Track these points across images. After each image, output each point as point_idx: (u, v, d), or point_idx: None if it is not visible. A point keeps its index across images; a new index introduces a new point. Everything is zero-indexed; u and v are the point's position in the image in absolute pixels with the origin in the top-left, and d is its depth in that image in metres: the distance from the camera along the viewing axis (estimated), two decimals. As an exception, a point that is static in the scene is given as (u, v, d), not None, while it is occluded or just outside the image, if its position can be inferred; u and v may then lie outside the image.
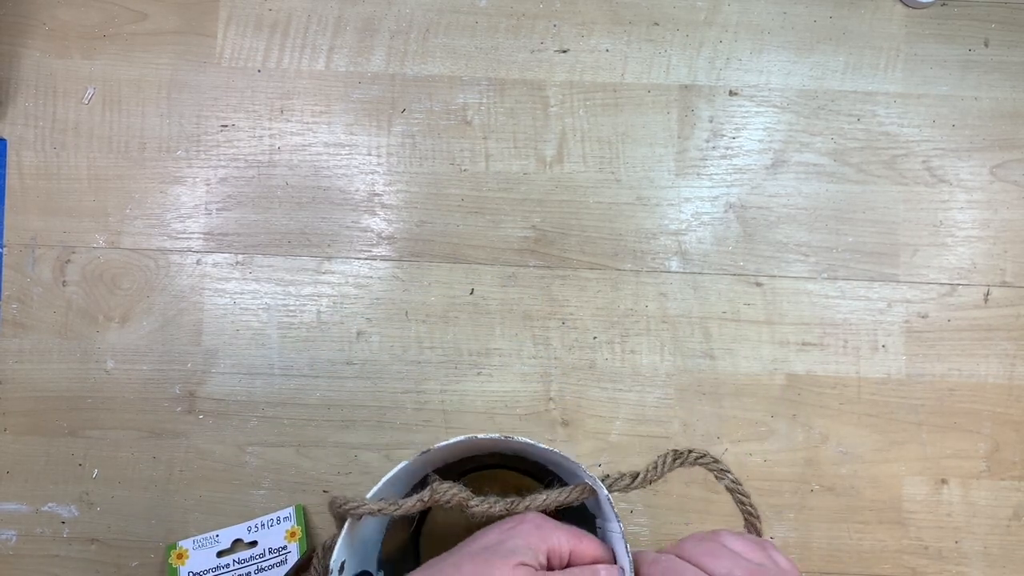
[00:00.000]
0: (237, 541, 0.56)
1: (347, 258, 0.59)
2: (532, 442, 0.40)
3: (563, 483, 0.43)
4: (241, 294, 0.59)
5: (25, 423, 0.59)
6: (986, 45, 0.60)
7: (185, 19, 0.61)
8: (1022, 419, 0.58)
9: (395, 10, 0.61)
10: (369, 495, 0.40)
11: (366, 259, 0.59)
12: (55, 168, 0.60)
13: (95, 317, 0.59)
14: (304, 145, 0.60)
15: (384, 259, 0.59)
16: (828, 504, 0.58)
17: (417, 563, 0.54)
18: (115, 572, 0.58)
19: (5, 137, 0.60)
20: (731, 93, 0.60)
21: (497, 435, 0.40)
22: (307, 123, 0.60)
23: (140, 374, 0.59)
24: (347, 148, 0.60)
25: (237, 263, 0.59)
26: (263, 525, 0.56)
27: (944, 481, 0.58)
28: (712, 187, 0.59)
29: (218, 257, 0.59)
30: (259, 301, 0.59)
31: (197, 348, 0.59)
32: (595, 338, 0.58)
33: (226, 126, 0.60)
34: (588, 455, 0.58)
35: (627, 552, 0.38)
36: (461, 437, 0.40)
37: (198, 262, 0.59)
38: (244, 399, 0.58)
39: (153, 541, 0.58)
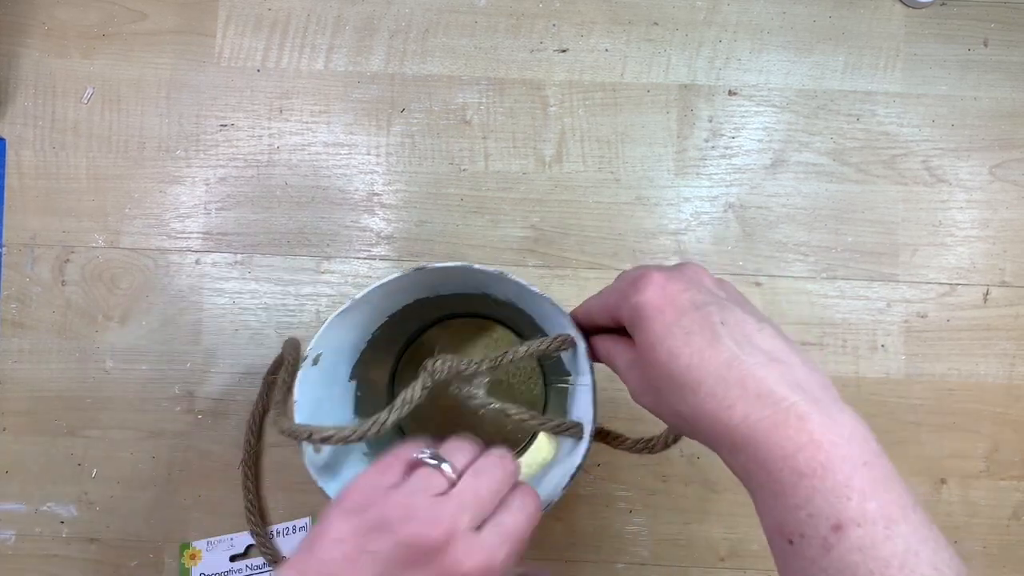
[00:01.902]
0: (251, 547, 0.56)
1: (346, 258, 0.59)
2: (524, 283, 0.41)
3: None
4: (240, 294, 0.59)
5: (24, 423, 0.59)
6: (985, 45, 0.60)
7: (184, 19, 0.61)
8: (1022, 419, 0.58)
9: (394, 10, 0.61)
10: (359, 296, 0.41)
11: (365, 259, 0.59)
12: (54, 168, 0.60)
13: (94, 317, 0.59)
14: (303, 145, 0.60)
15: (383, 259, 0.59)
16: (827, 504, 0.58)
17: (392, 391, 0.56)
18: (114, 572, 0.58)
19: (4, 137, 0.60)
20: (730, 93, 0.60)
21: (492, 268, 0.41)
22: (306, 123, 0.60)
23: (139, 374, 0.59)
24: (346, 148, 0.60)
25: (236, 263, 0.59)
26: (279, 532, 0.56)
27: (943, 481, 0.58)
28: (711, 187, 0.59)
29: (217, 257, 0.59)
30: (258, 301, 0.59)
31: (196, 348, 0.59)
32: (594, 338, 0.58)
33: (225, 126, 0.60)
34: (587, 455, 0.58)
35: (593, 404, 0.40)
36: (457, 263, 0.41)
37: (197, 262, 0.59)
38: (243, 399, 0.58)
39: (152, 541, 0.58)
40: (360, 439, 0.38)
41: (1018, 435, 0.58)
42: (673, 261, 0.59)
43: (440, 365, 0.39)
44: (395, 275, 0.42)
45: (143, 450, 0.58)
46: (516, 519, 0.34)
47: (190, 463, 0.58)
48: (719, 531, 0.58)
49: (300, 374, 0.42)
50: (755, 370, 0.31)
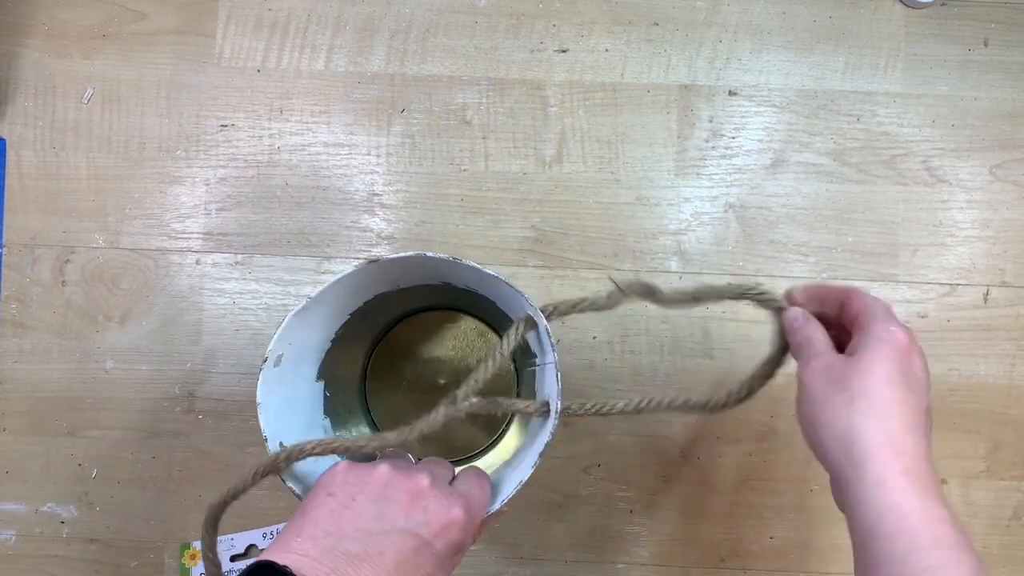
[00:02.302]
0: (251, 546, 0.56)
1: (346, 258, 0.59)
2: (479, 266, 0.41)
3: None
4: (240, 294, 0.59)
5: (25, 423, 0.59)
6: (986, 45, 0.60)
7: (185, 19, 0.61)
8: (1022, 419, 0.58)
9: (395, 10, 0.61)
10: (315, 293, 0.42)
11: (366, 259, 0.59)
12: (54, 168, 0.60)
13: (94, 317, 0.59)
14: (303, 145, 0.60)
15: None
16: (828, 504, 0.57)
17: (364, 389, 0.57)
18: (114, 572, 0.58)
19: (5, 137, 0.60)
20: (731, 93, 0.60)
21: (445, 256, 0.41)
22: (307, 123, 0.60)
23: (139, 374, 0.59)
24: (347, 148, 0.60)
25: (236, 263, 0.59)
26: (279, 532, 0.56)
27: (944, 481, 0.58)
28: (712, 187, 0.59)
29: (217, 257, 0.59)
30: (259, 301, 0.59)
31: (196, 348, 0.59)
32: (594, 338, 0.58)
33: (225, 126, 0.60)
34: (587, 455, 0.58)
35: (557, 381, 0.41)
36: (411, 253, 0.41)
37: (197, 262, 0.59)
38: (243, 399, 0.58)
39: (152, 541, 0.58)
40: (358, 451, 0.39)
41: (1018, 435, 0.58)
42: (673, 262, 0.59)
43: (468, 402, 0.40)
44: (349, 270, 0.41)
45: (143, 450, 0.58)
46: (470, 482, 0.40)
47: (190, 463, 0.58)
48: (719, 531, 0.58)
49: (261, 375, 0.41)
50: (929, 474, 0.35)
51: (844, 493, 0.36)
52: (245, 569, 0.32)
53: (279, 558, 0.32)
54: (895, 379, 0.36)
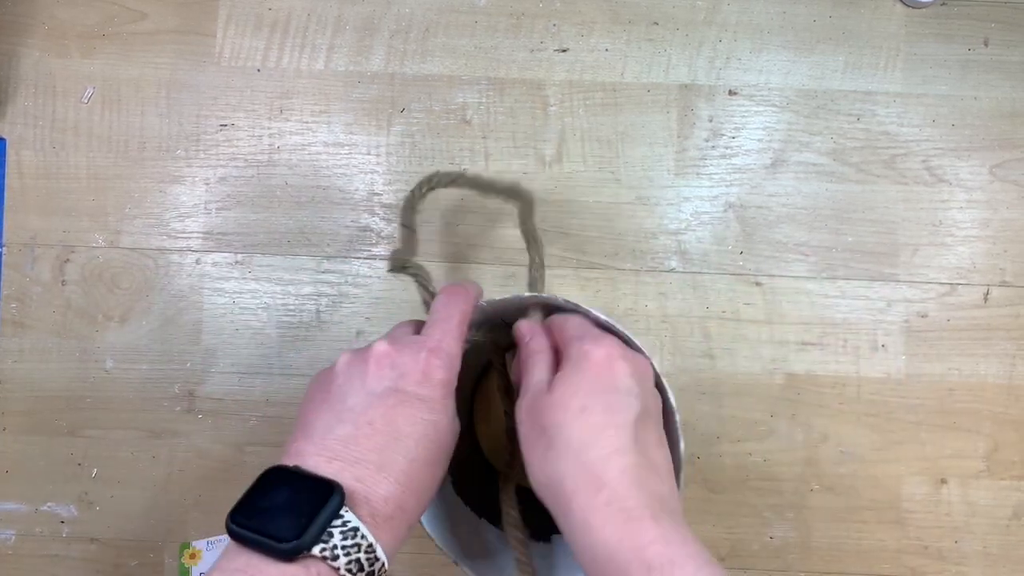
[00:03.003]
0: None
1: (347, 257, 0.59)
2: (574, 303, 0.42)
3: None
4: (240, 293, 0.59)
5: (24, 423, 0.59)
6: (986, 45, 0.60)
7: (185, 18, 0.61)
8: (1022, 419, 0.58)
9: (395, 9, 0.61)
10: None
11: (366, 258, 0.59)
12: (54, 168, 0.60)
13: (94, 316, 0.59)
14: (303, 144, 0.60)
15: (384, 258, 0.59)
16: (828, 504, 0.58)
17: (470, 420, 0.56)
18: (114, 572, 0.58)
19: (5, 136, 0.60)
20: (731, 92, 0.60)
21: (549, 295, 0.43)
22: (307, 123, 0.60)
23: (139, 374, 0.59)
24: (347, 148, 0.60)
25: (236, 262, 0.59)
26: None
27: (944, 481, 0.58)
28: (712, 187, 0.59)
29: (217, 257, 0.59)
30: (258, 300, 0.59)
31: (196, 347, 0.59)
32: (595, 338, 0.58)
33: (225, 125, 0.60)
34: (588, 455, 0.58)
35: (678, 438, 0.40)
36: (511, 295, 0.43)
37: (197, 262, 0.59)
38: (243, 398, 0.58)
39: (153, 541, 0.58)
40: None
41: (1018, 435, 0.58)
42: (674, 261, 0.59)
43: None
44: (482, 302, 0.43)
45: (143, 450, 0.58)
46: (443, 311, 0.39)
47: (190, 463, 0.58)
48: (719, 531, 0.58)
49: None
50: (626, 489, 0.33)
51: (566, 538, 0.35)
52: (259, 476, 0.33)
53: (284, 461, 0.34)
54: (590, 404, 0.34)
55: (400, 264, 0.47)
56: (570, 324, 0.39)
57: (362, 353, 0.37)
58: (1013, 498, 0.58)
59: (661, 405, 0.39)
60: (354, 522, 0.31)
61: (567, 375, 0.36)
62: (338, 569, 0.30)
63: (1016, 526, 0.58)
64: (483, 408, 0.56)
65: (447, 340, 0.38)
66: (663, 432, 0.37)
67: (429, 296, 0.46)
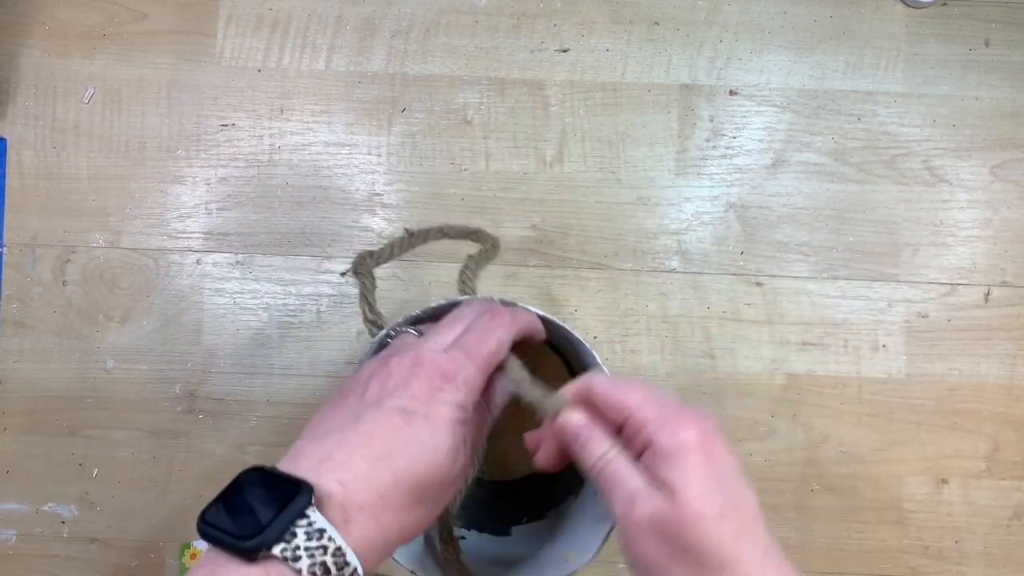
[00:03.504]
0: None
1: (347, 258, 0.59)
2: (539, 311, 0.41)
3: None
4: (241, 294, 0.59)
5: (25, 423, 0.59)
6: (987, 45, 0.60)
7: (185, 19, 0.61)
8: (1022, 419, 0.58)
9: (395, 9, 0.61)
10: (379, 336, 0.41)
11: (366, 259, 0.59)
12: (55, 168, 0.60)
13: (95, 317, 0.59)
14: (304, 145, 0.60)
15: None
16: (828, 504, 0.58)
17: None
18: (115, 572, 0.58)
19: (5, 137, 0.60)
20: (731, 93, 0.60)
21: (486, 296, 0.41)
22: (307, 123, 0.60)
23: (140, 374, 0.59)
24: (347, 148, 0.60)
25: (237, 263, 0.59)
26: None
27: (944, 481, 0.58)
28: (712, 187, 0.59)
29: (218, 257, 0.59)
30: (259, 301, 0.59)
31: (197, 348, 0.59)
32: (595, 338, 0.58)
33: (226, 126, 0.60)
34: (588, 455, 0.58)
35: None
36: (446, 300, 0.41)
37: (198, 262, 0.59)
38: (244, 398, 0.58)
39: (153, 541, 0.58)
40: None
41: (1019, 435, 0.58)
42: (674, 261, 0.59)
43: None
44: (412, 313, 0.41)
45: (144, 450, 0.58)
46: (476, 337, 0.37)
47: (190, 463, 0.58)
48: (720, 531, 0.58)
49: None
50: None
51: None
52: (235, 476, 0.32)
53: (284, 457, 0.34)
54: (722, 505, 0.31)
55: (356, 270, 0.45)
56: (650, 406, 0.34)
57: (385, 365, 0.36)
58: (1014, 498, 0.58)
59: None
60: (320, 523, 0.30)
61: (686, 476, 0.32)
62: (300, 571, 0.29)
63: (1017, 526, 0.58)
64: None
65: (467, 370, 0.36)
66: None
67: (370, 314, 0.44)
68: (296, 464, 0.33)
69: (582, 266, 0.59)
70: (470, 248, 0.59)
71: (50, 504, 0.58)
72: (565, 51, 0.60)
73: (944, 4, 0.61)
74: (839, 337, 0.58)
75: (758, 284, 0.59)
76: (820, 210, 0.59)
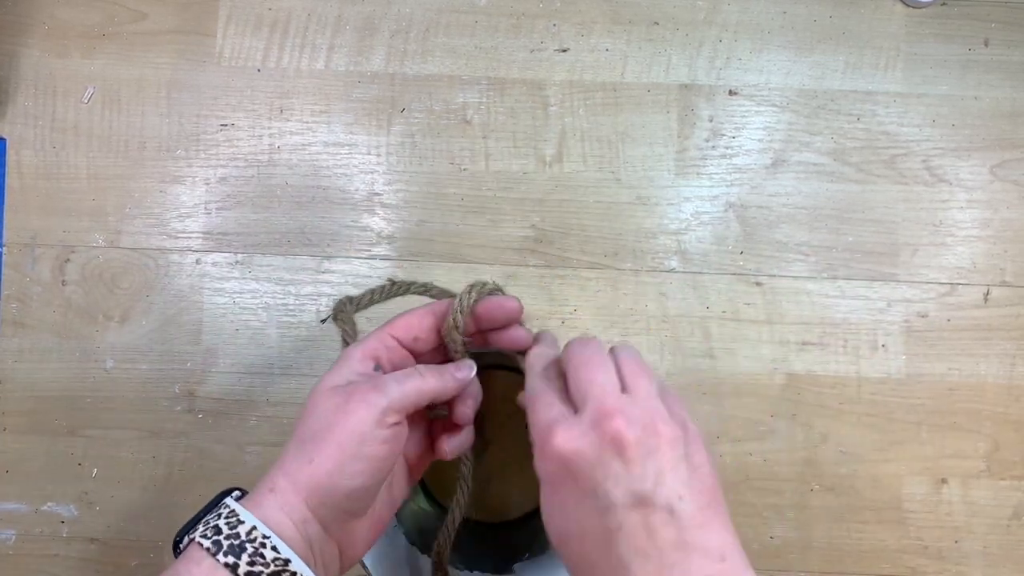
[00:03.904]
0: None
1: (347, 257, 0.59)
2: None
3: None
4: (241, 293, 0.59)
5: (25, 422, 0.58)
6: (986, 45, 0.60)
7: (185, 19, 0.61)
8: (1022, 419, 0.58)
9: (395, 9, 0.61)
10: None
11: (366, 258, 0.59)
12: (55, 168, 0.60)
13: (94, 316, 0.59)
14: (304, 144, 0.60)
15: (384, 258, 0.59)
16: (828, 504, 0.58)
17: (426, 492, 0.54)
18: (115, 572, 0.58)
19: (5, 136, 0.60)
20: (731, 92, 0.60)
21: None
22: (307, 122, 0.60)
23: (139, 373, 0.59)
24: (347, 148, 0.60)
25: (237, 262, 0.59)
26: None
27: (944, 481, 0.58)
28: (712, 187, 0.59)
29: (218, 256, 0.59)
30: (259, 300, 0.59)
31: (197, 347, 0.59)
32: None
33: (226, 125, 0.60)
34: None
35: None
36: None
37: (198, 261, 0.59)
38: (244, 398, 0.58)
39: (153, 541, 0.58)
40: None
41: (1019, 435, 0.58)
42: (674, 261, 0.59)
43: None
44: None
45: (143, 450, 0.58)
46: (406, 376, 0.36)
47: (190, 463, 0.58)
48: (720, 531, 0.58)
49: None
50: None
51: None
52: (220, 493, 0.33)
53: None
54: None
55: (337, 316, 0.44)
56: (593, 387, 0.33)
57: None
58: (1013, 498, 0.58)
59: None
60: (232, 505, 0.31)
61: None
62: (208, 549, 0.30)
63: (1016, 526, 0.58)
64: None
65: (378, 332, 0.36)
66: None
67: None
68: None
69: (582, 266, 0.59)
70: (470, 248, 0.59)
71: (50, 504, 0.58)
72: (565, 51, 0.60)
73: (944, 4, 0.61)
74: (839, 337, 0.58)
75: (758, 284, 0.59)
76: (820, 210, 0.59)
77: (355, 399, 0.33)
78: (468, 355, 0.39)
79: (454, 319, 0.36)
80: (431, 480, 0.54)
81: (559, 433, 0.31)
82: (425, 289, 0.43)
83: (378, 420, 0.32)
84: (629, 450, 0.30)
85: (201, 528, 0.31)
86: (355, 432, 0.32)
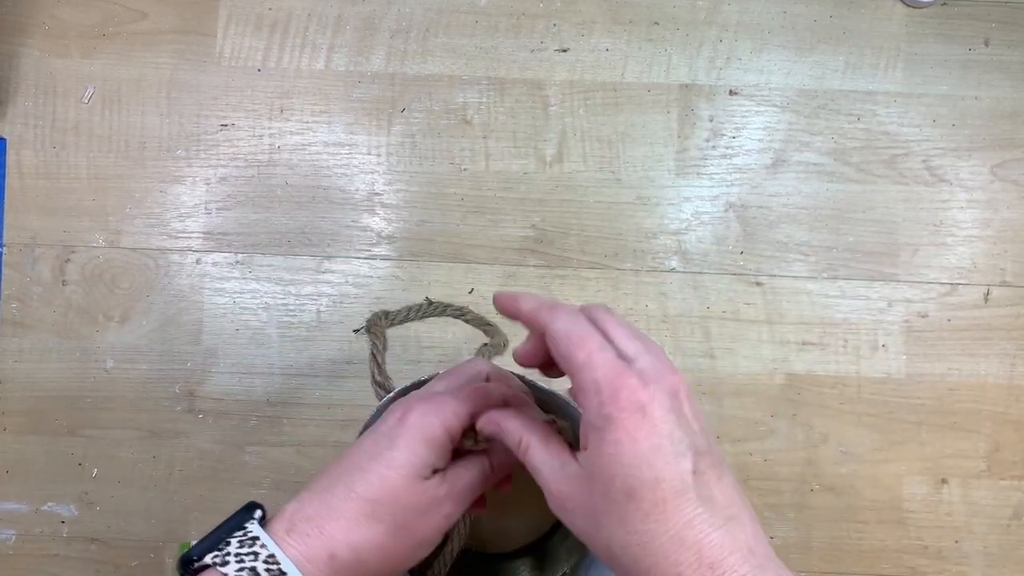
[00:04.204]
0: None
1: (347, 257, 0.59)
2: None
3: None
4: (241, 293, 0.59)
5: (25, 422, 0.58)
6: (986, 45, 0.60)
7: (185, 18, 0.61)
8: (1022, 419, 0.58)
9: (395, 9, 0.61)
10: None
11: (366, 258, 0.59)
12: (55, 168, 0.60)
13: (95, 316, 0.59)
14: (304, 144, 0.60)
15: (384, 258, 0.59)
16: (828, 504, 0.58)
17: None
18: (115, 572, 0.58)
19: (5, 137, 0.60)
20: (731, 92, 0.60)
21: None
22: (307, 122, 0.60)
23: (140, 373, 0.59)
24: (347, 147, 0.60)
25: (237, 262, 0.59)
26: None
27: (944, 481, 0.58)
28: (712, 187, 0.59)
29: (218, 256, 0.59)
30: (259, 300, 0.59)
31: (197, 347, 0.59)
32: (595, 338, 0.58)
33: (226, 125, 0.60)
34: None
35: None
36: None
37: (198, 261, 0.59)
38: (244, 398, 0.58)
39: (153, 541, 0.58)
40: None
41: (1019, 435, 0.58)
42: (674, 261, 0.59)
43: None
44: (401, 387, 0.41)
45: (143, 450, 0.58)
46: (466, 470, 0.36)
47: (190, 463, 0.58)
48: (720, 531, 0.58)
49: None
50: (712, 536, 0.30)
51: None
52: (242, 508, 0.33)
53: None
54: (633, 492, 0.30)
55: (370, 329, 0.45)
56: (573, 358, 0.33)
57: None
58: (1013, 498, 0.58)
59: None
60: (255, 531, 0.31)
61: (599, 461, 0.32)
62: (227, 574, 0.30)
63: (1016, 526, 0.58)
64: None
65: (445, 397, 0.35)
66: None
67: (378, 376, 0.42)
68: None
69: (582, 266, 0.59)
70: (470, 248, 0.59)
71: (50, 504, 0.58)
72: (565, 51, 0.60)
73: (944, 4, 0.61)
74: (839, 337, 0.58)
75: (758, 284, 0.59)
76: (820, 210, 0.59)
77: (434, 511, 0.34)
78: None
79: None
80: None
81: (632, 377, 0.31)
82: (461, 313, 0.44)
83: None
84: (685, 404, 0.32)
85: (227, 560, 0.30)
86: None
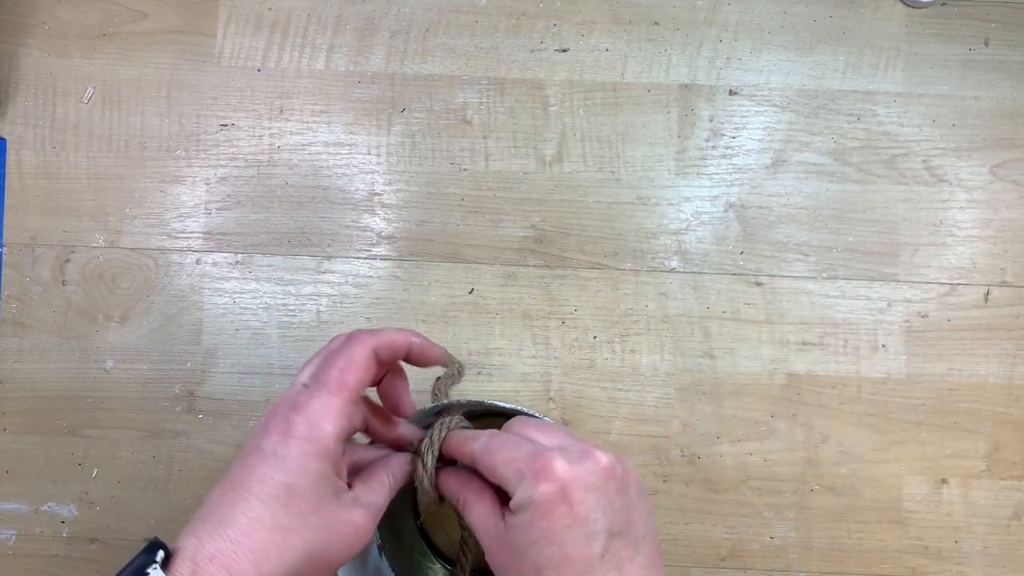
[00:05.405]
0: None
1: (347, 257, 0.59)
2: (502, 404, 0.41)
3: None
4: (241, 293, 0.59)
5: (24, 422, 0.59)
6: (986, 44, 0.60)
7: (185, 18, 0.61)
8: (1022, 419, 0.58)
9: (395, 9, 0.61)
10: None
11: (366, 258, 0.59)
12: (55, 168, 0.60)
13: (94, 317, 0.59)
14: (304, 144, 0.60)
15: (384, 258, 0.59)
16: (828, 504, 0.58)
17: (427, 543, 0.54)
18: (115, 572, 0.58)
19: (5, 137, 0.60)
20: (731, 92, 0.60)
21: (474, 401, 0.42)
22: (307, 122, 0.60)
23: (139, 373, 0.59)
24: (347, 147, 0.60)
25: (237, 262, 0.59)
26: None
27: (944, 481, 0.58)
28: (712, 187, 0.59)
29: (218, 256, 0.59)
30: (259, 300, 0.59)
31: (197, 347, 0.59)
32: (595, 338, 0.58)
33: (226, 125, 0.60)
34: (588, 455, 0.58)
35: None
36: (439, 405, 0.42)
37: (198, 262, 0.59)
38: (244, 398, 0.58)
39: (153, 541, 0.58)
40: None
41: (1019, 435, 0.58)
42: (674, 261, 0.59)
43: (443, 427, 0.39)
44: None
45: (143, 450, 0.58)
46: (326, 361, 0.37)
47: (190, 463, 0.58)
48: (720, 531, 0.58)
49: None
50: None
51: None
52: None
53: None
54: (556, 562, 0.31)
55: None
56: (492, 460, 0.35)
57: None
58: (1013, 498, 0.58)
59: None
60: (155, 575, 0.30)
61: (525, 536, 0.34)
62: None
63: (1016, 526, 0.58)
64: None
65: (319, 398, 0.35)
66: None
67: (428, 483, 0.40)
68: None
69: (582, 266, 0.59)
70: (470, 248, 0.59)
71: (50, 504, 0.58)
72: (565, 51, 0.60)
73: (944, 4, 0.61)
74: (839, 337, 0.58)
75: (758, 284, 0.59)
76: (820, 210, 0.59)
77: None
78: (446, 405, 0.42)
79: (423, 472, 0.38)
80: (434, 532, 0.54)
81: (553, 459, 0.32)
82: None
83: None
84: (611, 483, 0.32)
85: None
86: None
